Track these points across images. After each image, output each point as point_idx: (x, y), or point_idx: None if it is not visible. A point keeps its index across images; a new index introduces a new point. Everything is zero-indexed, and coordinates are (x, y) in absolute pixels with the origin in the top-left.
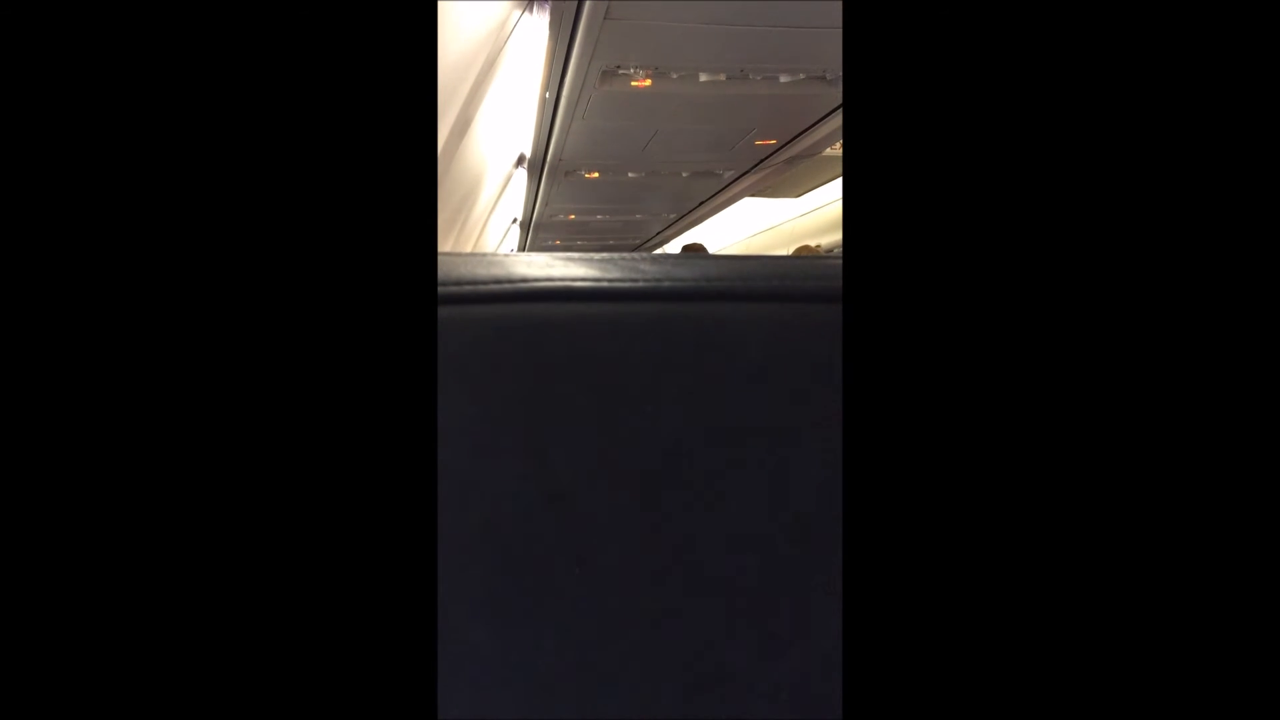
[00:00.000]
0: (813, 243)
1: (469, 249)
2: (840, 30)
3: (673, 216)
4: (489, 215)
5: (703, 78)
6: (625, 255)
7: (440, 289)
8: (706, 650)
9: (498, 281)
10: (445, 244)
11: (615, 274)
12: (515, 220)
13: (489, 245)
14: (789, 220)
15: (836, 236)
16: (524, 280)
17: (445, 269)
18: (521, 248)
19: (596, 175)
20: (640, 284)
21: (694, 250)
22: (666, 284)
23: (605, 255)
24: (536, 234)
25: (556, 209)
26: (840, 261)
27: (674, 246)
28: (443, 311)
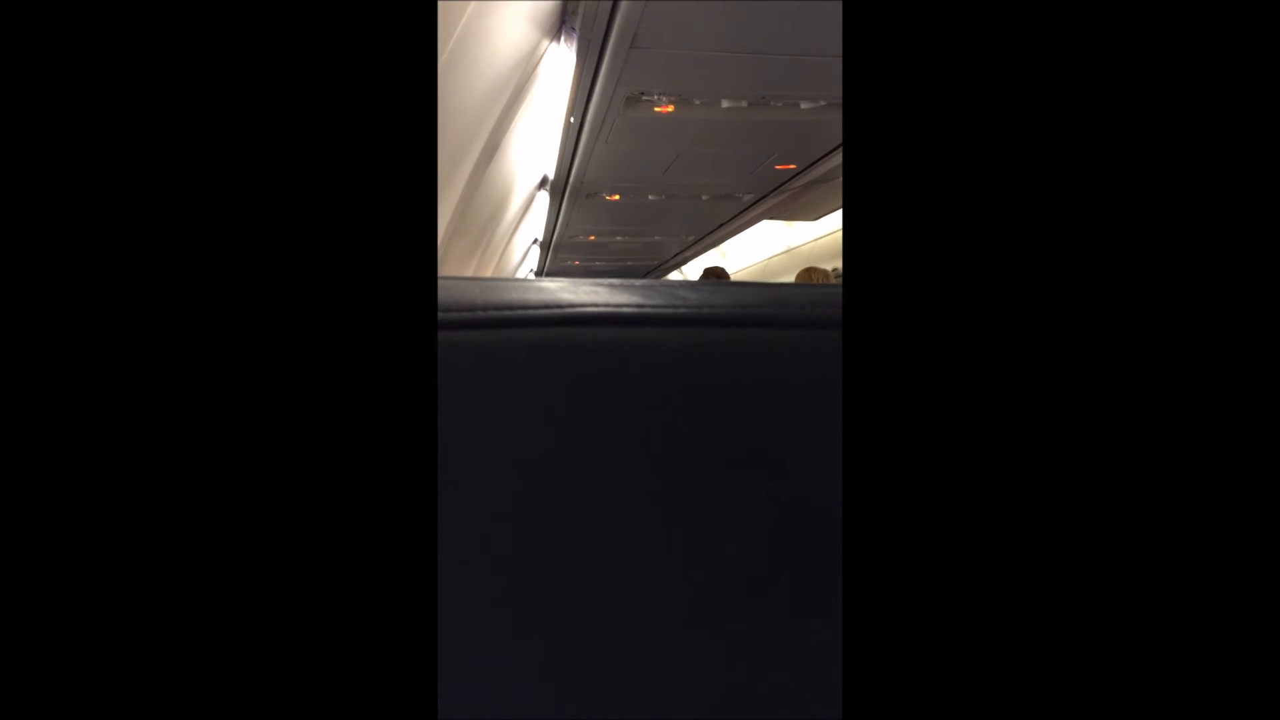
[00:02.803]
0: (825, 266)
1: (491, 268)
2: None
3: (691, 238)
4: (511, 235)
5: (725, 104)
6: (664, 282)
7: (485, 313)
8: (707, 652)
9: (545, 306)
10: (469, 263)
11: (657, 300)
12: (536, 240)
13: (511, 264)
14: (806, 243)
15: None
16: (570, 305)
17: (491, 294)
18: (541, 267)
19: (617, 198)
20: (681, 310)
21: (714, 274)
22: (705, 310)
23: (646, 282)
24: (557, 254)
25: (577, 230)
26: None
27: (693, 268)
28: (487, 335)
